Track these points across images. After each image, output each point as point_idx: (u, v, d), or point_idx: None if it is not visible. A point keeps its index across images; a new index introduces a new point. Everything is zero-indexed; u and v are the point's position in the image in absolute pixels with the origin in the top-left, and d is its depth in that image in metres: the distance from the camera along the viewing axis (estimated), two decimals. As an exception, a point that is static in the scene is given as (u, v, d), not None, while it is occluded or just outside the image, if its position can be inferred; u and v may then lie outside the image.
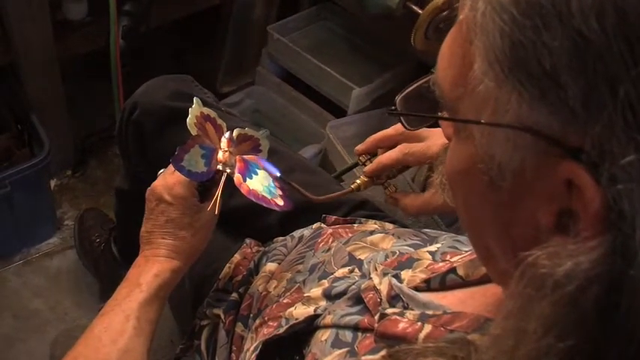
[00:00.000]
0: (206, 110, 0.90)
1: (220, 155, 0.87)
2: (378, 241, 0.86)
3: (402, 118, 0.66)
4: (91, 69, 2.04)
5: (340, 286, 0.78)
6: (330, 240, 0.92)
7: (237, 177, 0.86)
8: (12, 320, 1.69)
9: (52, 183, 1.93)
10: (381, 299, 0.65)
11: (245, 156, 0.90)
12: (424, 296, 0.64)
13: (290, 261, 0.93)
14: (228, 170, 0.86)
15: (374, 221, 1.06)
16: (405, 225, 1.11)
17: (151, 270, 0.84)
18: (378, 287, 0.66)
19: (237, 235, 1.06)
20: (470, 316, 0.56)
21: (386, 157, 0.92)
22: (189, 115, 0.86)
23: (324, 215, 1.04)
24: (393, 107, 0.65)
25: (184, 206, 0.86)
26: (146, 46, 1.94)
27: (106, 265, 1.59)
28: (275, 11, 2.20)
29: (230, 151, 0.88)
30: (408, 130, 0.74)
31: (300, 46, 2.01)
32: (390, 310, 0.62)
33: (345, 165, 1.80)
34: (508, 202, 0.45)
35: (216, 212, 0.84)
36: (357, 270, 0.81)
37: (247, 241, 1.06)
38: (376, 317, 0.63)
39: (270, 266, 0.95)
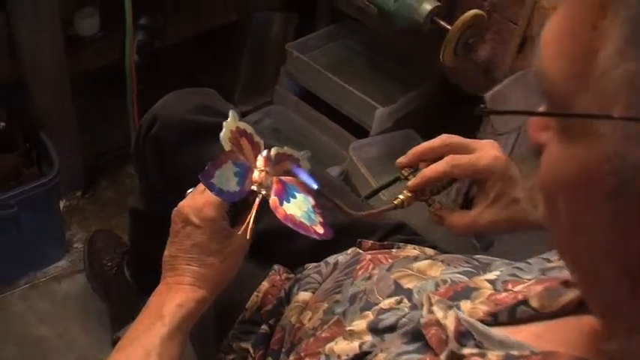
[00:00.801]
0: (242, 125, 0.82)
1: (256, 175, 0.79)
2: (426, 268, 0.78)
3: (492, 118, 0.58)
4: (102, 85, 1.97)
5: (388, 319, 0.69)
6: (370, 267, 0.83)
7: (273, 200, 0.77)
8: (15, 348, 1.60)
9: (61, 204, 1.85)
10: (447, 336, 0.56)
11: (283, 177, 0.82)
12: (497, 332, 0.55)
13: (326, 290, 0.84)
14: (263, 192, 0.77)
15: (413, 246, 0.97)
16: (445, 250, 1.02)
17: (174, 300, 0.76)
18: (442, 322, 0.57)
19: (265, 261, 0.97)
20: (565, 356, 0.47)
21: (431, 169, 0.84)
22: (224, 129, 0.79)
23: (359, 240, 0.96)
24: (482, 105, 0.56)
25: (213, 230, 0.77)
26: (160, 62, 1.87)
27: (118, 290, 1.50)
28: (293, 29, 2.14)
29: (267, 171, 0.80)
30: (497, 132, 0.65)
31: (320, 64, 1.94)
32: (467, 351, 0.53)
33: (372, 185, 1.72)
34: (635, 212, 0.36)
35: (247, 237, 0.75)
36: (405, 300, 0.72)
37: (276, 267, 0.97)
38: (442, 356, 0.54)
39: (304, 295, 0.86)
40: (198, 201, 0.77)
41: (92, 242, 1.65)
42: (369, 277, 0.81)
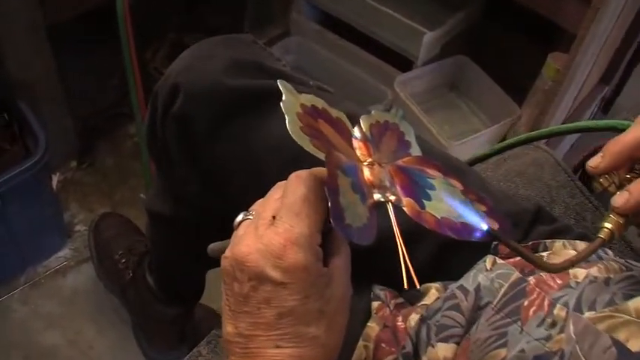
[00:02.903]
0: (307, 99, 0.51)
1: (367, 173, 0.49)
2: (647, 306, 0.49)
3: None
4: (87, 34, 1.64)
5: None
6: (546, 303, 0.54)
7: (407, 203, 0.48)
8: (23, 362, 1.34)
9: (54, 179, 1.55)
10: None
11: (400, 162, 0.53)
12: None
13: (481, 342, 0.55)
14: (392, 197, 0.48)
15: (561, 242, 0.68)
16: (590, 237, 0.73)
17: None
18: None
19: (357, 283, 0.67)
20: None
21: None
22: (287, 118, 0.47)
23: (495, 243, 0.66)
24: None
25: (308, 283, 0.47)
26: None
27: (139, 297, 1.21)
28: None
29: (377, 162, 0.50)
30: None
31: (345, -18, 1.60)
32: None
33: (426, 125, 1.41)
34: None
35: (418, 286, 0.44)
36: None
37: (380, 292, 0.68)
38: None
39: (445, 350, 0.57)
40: (271, 240, 0.46)
41: (98, 230, 1.35)
42: (554, 324, 0.52)
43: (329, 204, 0.43)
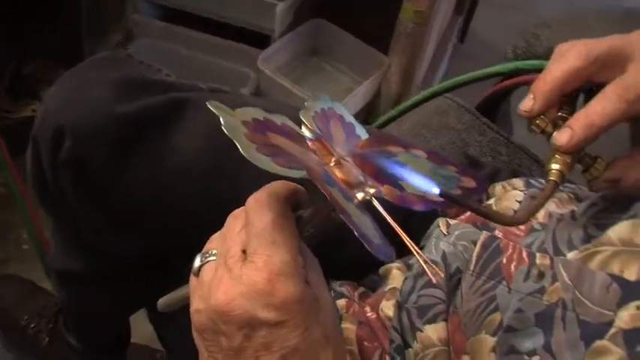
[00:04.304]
0: (244, 113, 0.45)
1: (339, 174, 0.44)
2: (631, 234, 0.48)
3: None
4: None
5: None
6: (524, 254, 0.52)
7: (386, 190, 0.44)
8: None
9: None
10: None
11: (357, 150, 0.48)
12: None
13: (472, 312, 0.53)
14: (371, 190, 0.44)
15: (500, 185, 0.68)
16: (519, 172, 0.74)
17: None
18: None
19: None
20: None
21: (600, 115, 0.47)
22: (238, 144, 0.40)
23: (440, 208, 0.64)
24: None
25: (304, 313, 0.42)
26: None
27: (62, 358, 1.10)
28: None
29: (343, 158, 0.46)
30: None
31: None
32: None
33: (298, 95, 1.38)
34: None
35: (442, 274, 0.41)
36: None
37: (339, 288, 0.64)
38: None
39: (435, 330, 0.54)
40: (252, 278, 0.41)
41: (-6, 300, 1.21)
42: (541, 275, 0.50)
43: (354, 232, 0.38)
